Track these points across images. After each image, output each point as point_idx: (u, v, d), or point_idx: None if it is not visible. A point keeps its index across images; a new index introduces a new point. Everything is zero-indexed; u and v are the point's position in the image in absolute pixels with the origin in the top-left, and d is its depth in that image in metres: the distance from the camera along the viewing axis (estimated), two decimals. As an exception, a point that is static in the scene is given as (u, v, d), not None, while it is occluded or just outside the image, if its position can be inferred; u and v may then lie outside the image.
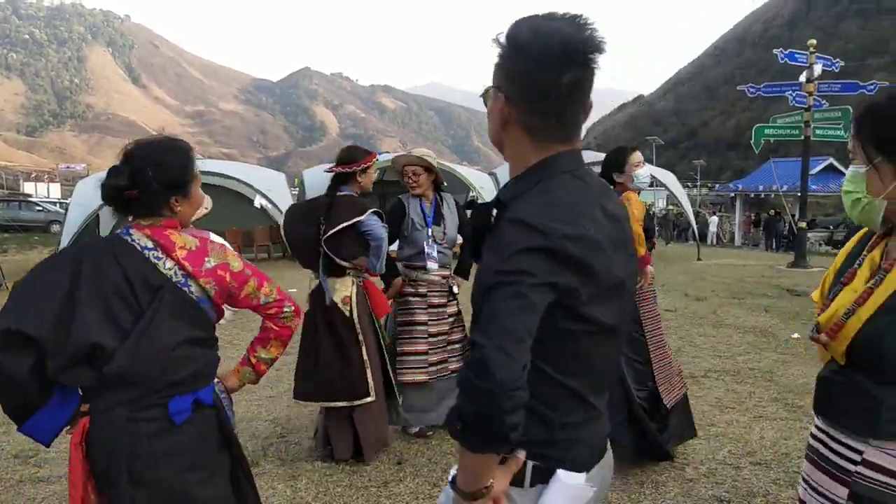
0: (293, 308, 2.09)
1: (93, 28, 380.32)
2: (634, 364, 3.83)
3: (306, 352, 3.97)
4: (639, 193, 4.00)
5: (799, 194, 17.30)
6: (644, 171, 3.95)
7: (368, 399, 3.89)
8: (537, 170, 1.30)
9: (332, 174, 4.03)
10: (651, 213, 32.38)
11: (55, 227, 25.82)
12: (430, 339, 4.29)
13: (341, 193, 3.94)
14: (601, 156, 18.28)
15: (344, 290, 3.93)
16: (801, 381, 5.62)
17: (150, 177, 1.87)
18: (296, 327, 2.15)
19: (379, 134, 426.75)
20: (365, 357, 3.90)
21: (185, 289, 1.88)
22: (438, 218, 4.40)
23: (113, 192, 1.88)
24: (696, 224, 21.82)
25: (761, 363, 6.26)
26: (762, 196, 31.31)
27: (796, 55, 15.87)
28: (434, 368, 4.27)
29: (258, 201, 15.99)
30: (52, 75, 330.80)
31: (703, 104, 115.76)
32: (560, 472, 1.29)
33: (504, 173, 19.76)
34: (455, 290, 4.46)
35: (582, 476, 1.30)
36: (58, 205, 31.92)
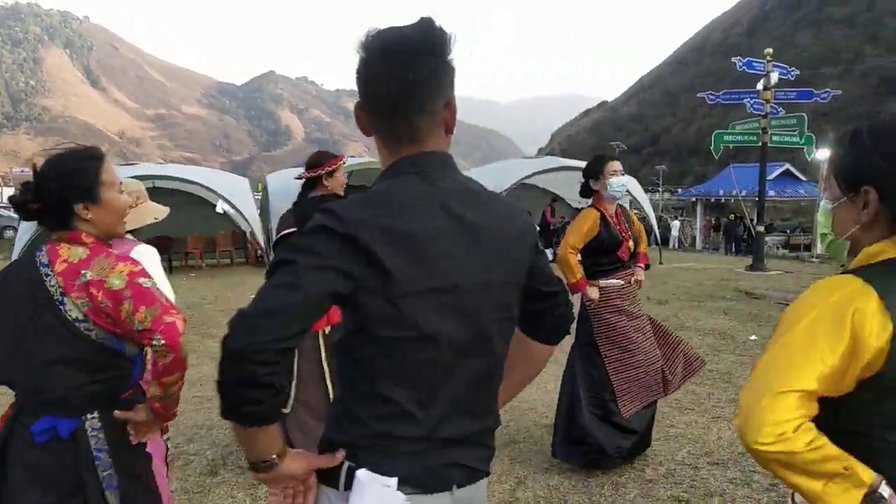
0: (163, 342, 1.73)
1: (49, 29, 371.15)
2: (591, 371, 3.92)
3: None
4: (615, 202, 4.03)
5: (757, 199, 17.71)
6: (619, 180, 3.97)
7: (284, 411, 3.73)
8: (387, 172, 1.28)
9: (303, 181, 3.98)
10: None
11: (9, 233, 25.15)
12: None
13: (307, 200, 3.88)
14: (565, 161, 18.43)
15: None
16: (757, 381, 5.75)
17: (52, 187, 1.82)
18: (177, 365, 1.78)
19: (344, 139, 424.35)
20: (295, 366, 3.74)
21: (61, 307, 1.76)
22: None
23: (20, 207, 1.84)
24: (659, 228, 22.16)
25: (720, 365, 6.39)
26: (722, 201, 31.87)
27: (754, 63, 16.27)
28: None
29: (221, 206, 15.77)
30: (6, 77, 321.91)
31: (665, 110, 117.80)
32: (360, 473, 1.21)
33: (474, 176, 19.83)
34: None
35: (393, 481, 1.21)
36: (11, 209, 31.05)
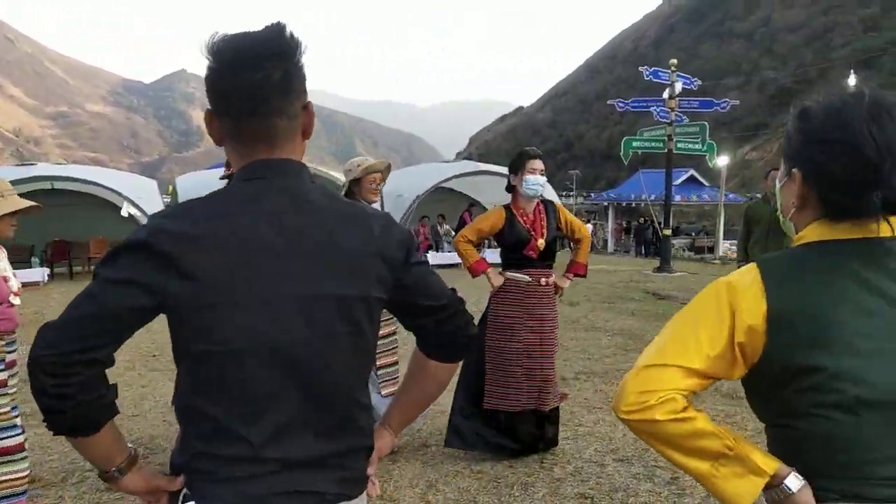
0: None
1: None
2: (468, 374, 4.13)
3: None
4: (530, 200, 4.14)
5: (664, 203, 18.45)
6: (535, 179, 4.06)
7: None
8: (233, 179, 1.26)
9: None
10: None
11: None
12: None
13: None
14: (482, 165, 18.60)
15: None
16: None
17: None
18: None
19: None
20: None
21: None
22: None
23: None
24: (572, 231, 22.78)
25: (627, 364, 6.60)
26: (633, 205, 33.12)
27: (660, 73, 16.96)
28: None
29: (126, 209, 15.12)
30: None
31: (578, 117, 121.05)
32: None
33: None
34: None
35: None
36: None
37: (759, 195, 10.29)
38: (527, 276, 4.08)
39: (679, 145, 16.95)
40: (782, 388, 1.18)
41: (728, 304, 1.19)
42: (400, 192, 17.84)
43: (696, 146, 16.98)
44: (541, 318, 4.09)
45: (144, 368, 6.52)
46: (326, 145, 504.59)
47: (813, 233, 1.24)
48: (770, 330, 1.16)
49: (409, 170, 23.89)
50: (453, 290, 1.40)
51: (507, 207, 4.15)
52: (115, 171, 24.10)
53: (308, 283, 1.18)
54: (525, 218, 4.09)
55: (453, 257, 18.78)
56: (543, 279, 4.12)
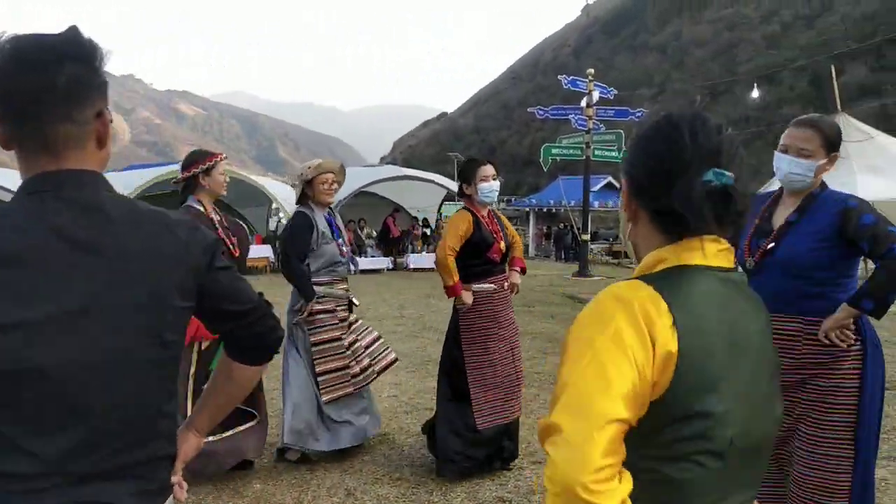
0: None
1: None
2: (450, 376, 4.08)
3: None
4: (485, 206, 4.12)
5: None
6: (490, 185, 4.03)
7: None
8: (17, 191, 1.19)
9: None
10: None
11: None
12: (347, 353, 4.26)
13: (185, 205, 3.69)
14: (405, 170, 18.56)
15: None
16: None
17: None
18: None
19: (176, 141, 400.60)
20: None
21: None
22: (339, 230, 4.41)
23: None
24: (494, 236, 23.07)
25: (546, 367, 6.72)
26: (553, 210, 33.84)
27: (578, 82, 17.40)
28: (355, 379, 4.27)
29: None
30: None
31: (501, 123, 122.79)
32: None
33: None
34: (356, 301, 4.46)
35: None
36: None
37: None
38: (492, 285, 4.05)
39: (596, 153, 17.42)
40: (666, 431, 1.07)
41: (646, 330, 1.05)
42: (321, 196, 17.57)
43: (613, 153, 17.50)
44: (508, 323, 4.12)
45: None
46: (247, 148, 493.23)
47: (673, 255, 1.15)
48: (679, 367, 1.04)
49: (332, 174, 23.59)
50: (260, 294, 1.42)
51: (468, 210, 4.07)
52: (16, 171, 22.72)
53: (99, 295, 1.15)
54: (485, 220, 4.10)
55: (376, 262, 18.73)
56: (505, 283, 4.15)
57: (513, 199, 43.76)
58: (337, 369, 4.20)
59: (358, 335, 4.39)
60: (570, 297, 12.53)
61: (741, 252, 2.56)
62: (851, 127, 15.66)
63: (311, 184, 4.23)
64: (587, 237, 18.10)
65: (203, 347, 3.66)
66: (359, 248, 18.62)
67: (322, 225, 4.23)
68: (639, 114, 17.93)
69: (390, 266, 19.19)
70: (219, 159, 3.74)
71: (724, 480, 1.11)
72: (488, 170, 4.06)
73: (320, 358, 4.18)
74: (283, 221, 19.79)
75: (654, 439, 1.08)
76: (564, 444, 0.98)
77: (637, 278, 1.15)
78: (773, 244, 2.51)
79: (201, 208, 3.68)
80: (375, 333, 4.56)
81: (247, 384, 1.48)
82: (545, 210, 34.37)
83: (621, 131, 17.66)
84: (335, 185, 4.29)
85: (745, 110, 55.73)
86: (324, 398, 4.12)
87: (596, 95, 17.24)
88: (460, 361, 3.96)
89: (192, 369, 3.61)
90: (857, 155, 14.47)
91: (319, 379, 4.14)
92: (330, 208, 4.42)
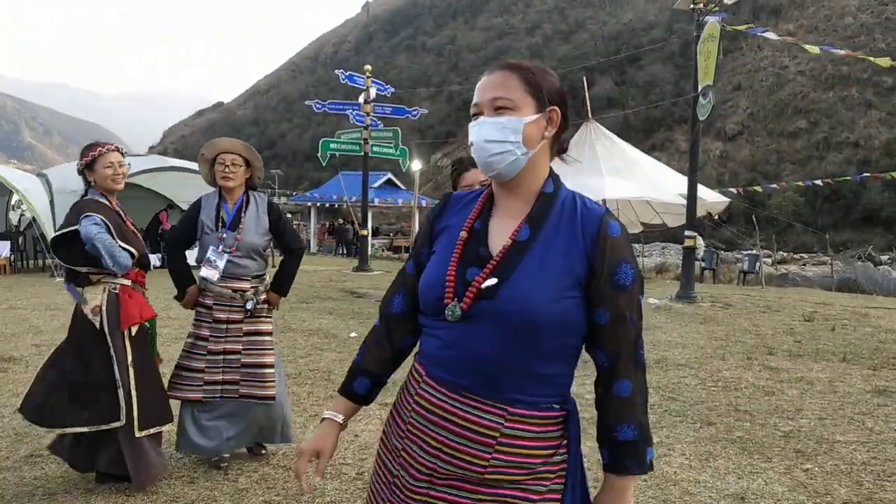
0: None
1: None
2: None
3: (50, 367, 3.53)
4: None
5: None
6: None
7: (116, 424, 3.40)
8: None
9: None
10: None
11: None
12: (209, 357, 3.81)
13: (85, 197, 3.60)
14: (174, 161, 17.33)
15: (94, 300, 3.53)
16: (353, 376, 6.12)
17: None
18: None
19: None
20: (116, 375, 3.42)
21: None
22: (236, 222, 3.85)
23: None
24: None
25: (321, 363, 6.64)
26: (335, 206, 33.76)
27: (355, 77, 17.49)
28: (210, 388, 3.80)
29: None
30: None
31: (281, 115, 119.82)
32: None
33: (57, 174, 17.38)
34: (249, 305, 3.89)
35: None
36: None
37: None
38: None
39: (374, 149, 17.66)
40: None
41: None
42: (74, 187, 15.76)
43: (391, 150, 17.86)
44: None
45: None
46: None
47: None
48: None
49: (87, 163, 21.26)
50: None
51: None
52: None
53: None
54: None
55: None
56: None
57: (294, 193, 42.92)
58: (191, 370, 3.86)
59: (245, 347, 3.91)
60: (350, 293, 12.58)
61: (436, 289, 1.48)
62: (600, 133, 17.59)
63: (212, 168, 3.91)
64: (366, 232, 18.29)
65: (133, 334, 3.55)
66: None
67: (205, 215, 3.93)
68: (415, 112, 18.48)
69: (157, 264, 17.83)
70: (99, 152, 3.58)
71: None
72: (476, 175, 2.98)
73: (183, 352, 3.92)
74: (27, 215, 17.51)
75: None
76: None
77: None
78: (495, 280, 1.42)
79: (104, 201, 3.61)
80: (269, 359, 3.96)
81: None
82: (327, 205, 34.17)
83: (398, 129, 18.08)
84: (234, 168, 3.87)
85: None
86: (170, 394, 3.83)
87: (373, 92, 17.47)
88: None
89: (130, 357, 3.50)
90: (605, 158, 16.29)
91: (173, 373, 3.90)
92: (252, 196, 4.02)
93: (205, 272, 3.87)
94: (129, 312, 3.57)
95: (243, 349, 3.91)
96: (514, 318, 1.38)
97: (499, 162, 1.46)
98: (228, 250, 3.87)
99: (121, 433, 3.48)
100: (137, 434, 3.48)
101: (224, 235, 3.88)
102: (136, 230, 3.74)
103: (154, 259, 17.77)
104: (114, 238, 3.48)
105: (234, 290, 3.89)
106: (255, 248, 3.95)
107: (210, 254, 3.86)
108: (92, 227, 3.45)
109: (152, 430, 3.58)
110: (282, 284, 4.08)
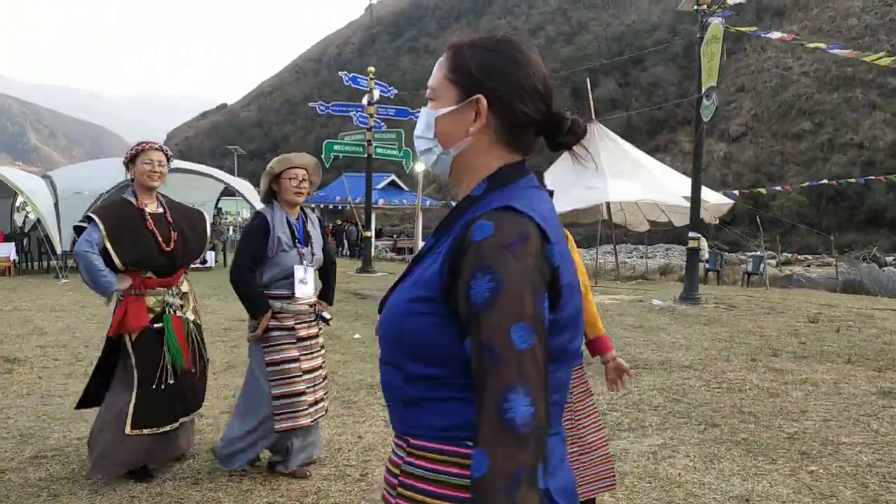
0: None
1: None
2: None
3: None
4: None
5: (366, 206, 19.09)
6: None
7: None
8: None
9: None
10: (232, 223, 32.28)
11: None
12: (306, 377, 3.75)
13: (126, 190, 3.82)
14: (180, 163, 17.36)
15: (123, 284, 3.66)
16: (357, 377, 6.13)
17: None
18: None
19: None
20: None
21: None
22: (307, 237, 3.81)
23: None
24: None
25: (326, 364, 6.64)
26: (339, 207, 33.78)
27: (359, 79, 17.48)
28: (314, 409, 3.84)
29: None
30: None
31: (285, 117, 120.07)
32: None
33: (62, 176, 17.43)
34: (326, 316, 3.95)
35: None
36: None
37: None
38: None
39: (378, 150, 17.65)
40: None
41: None
42: (79, 188, 15.81)
43: (394, 152, 17.86)
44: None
45: None
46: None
47: None
48: None
49: (94, 163, 21.37)
50: None
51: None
52: None
53: None
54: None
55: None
56: None
57: (297, 195, 42.97)
58: (294, 395, 3.74)
59: (324, 360, 3.97)
60: (354, 294, 12.58)
61: None
62: (603, 134, 17.58)
63: (279, 181, 3.76)
64: (370, 234, 18.30)
65: (133, 339, 3.62)
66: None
67: (281, 231, 3.73)
68: (417, 114, 18.45)
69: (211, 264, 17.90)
70: (143, 148, 3.68)
71: None
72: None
73: (275, 380, 3.73)
74: (31, 217, 17.56)
75: None
76: None
77: None
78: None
79: (131, 198, 3.69)
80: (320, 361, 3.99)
81: None
82: (331, 207, 34.20)
83: (402, 130, 18.09)
84: (306, 184, 3.79)
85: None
86: (276, 426, 3.71)
87: (377, 94, 17.46)
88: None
89: (133, 360, 3.61)
90: (608, 159, 16.28)
91: (273, 404, 3.71)
92: (303, 210, 3.92)
93: (299, 291, 3.76)
94: (116, 318, 3.63)
95: (323, 363, 4.00)
96: (378, 332, 1.21)
97: (427, 161, 1.28)
98: (311, 265, 3.87)
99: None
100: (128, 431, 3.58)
101: (304, 251, 3.83)
102: (175, 225, 3.75)
103: (210, 259, 17.79)
104: (112, 244, 3.53)
105: (310, 305, 3.88)
106: (320, 262, 3.99)
107: (298, 271, 3.76)
108: (83, 243, 3.50)
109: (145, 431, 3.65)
110: (329, 295, 4.15)
